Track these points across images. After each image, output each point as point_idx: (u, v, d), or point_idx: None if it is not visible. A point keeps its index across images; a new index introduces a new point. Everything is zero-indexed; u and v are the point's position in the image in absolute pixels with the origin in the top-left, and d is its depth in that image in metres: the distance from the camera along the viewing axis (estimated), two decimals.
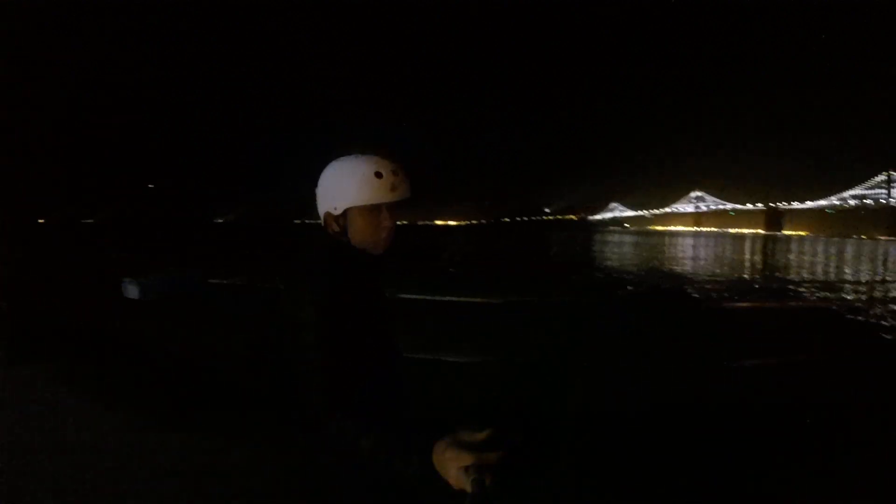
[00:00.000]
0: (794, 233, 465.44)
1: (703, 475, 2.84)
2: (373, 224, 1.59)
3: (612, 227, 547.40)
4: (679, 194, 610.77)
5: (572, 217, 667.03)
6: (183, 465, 3.61)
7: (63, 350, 6.61)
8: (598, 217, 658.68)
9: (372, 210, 1.57)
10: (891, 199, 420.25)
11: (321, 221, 1.64)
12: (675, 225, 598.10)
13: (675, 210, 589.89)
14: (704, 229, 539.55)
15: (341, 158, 1.61)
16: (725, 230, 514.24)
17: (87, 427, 4.17)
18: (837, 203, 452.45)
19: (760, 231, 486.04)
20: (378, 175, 1.56)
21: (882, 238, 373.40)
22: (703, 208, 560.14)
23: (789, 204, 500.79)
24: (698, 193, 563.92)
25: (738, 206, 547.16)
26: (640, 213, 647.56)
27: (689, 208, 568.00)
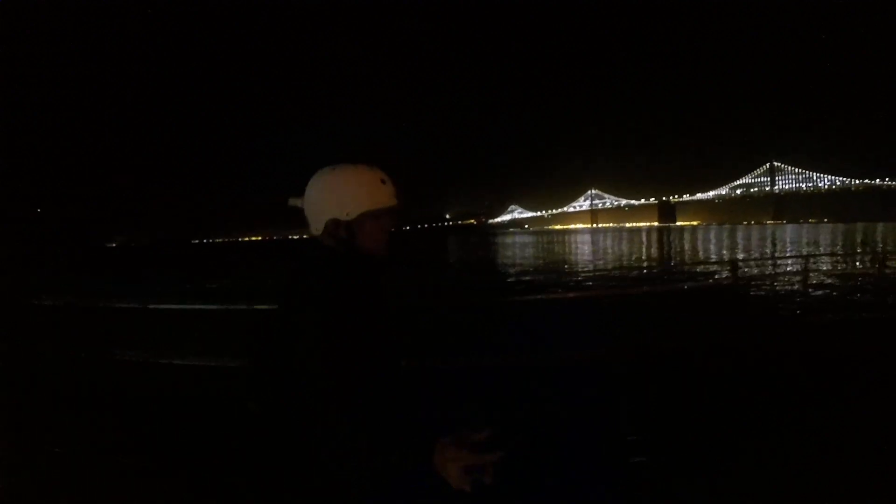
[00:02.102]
0: (686, 223, 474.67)
1: (702, 472, 2.80)
2: (378, 228, 1.65)
3: (511, 229, 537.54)
4: (576, 193, 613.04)
5: (472, 221, 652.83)
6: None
7: None
8: (497, 220, 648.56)
9: (379, 215, 1.64)
10: (774, 188, 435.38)
11: (316, 230, 1.67)
12: (573, 223, 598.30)
13: (573, 209, 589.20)
14: (602, 225, 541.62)
15: (340, 167, 1.65)
16: (622, 224, 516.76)
17: None
18: (725, 193, 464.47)
19: (655, 223, 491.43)
20: (383, 181, 1.65)
21: (769, 222, 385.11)
22: (600, 205, 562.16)
23: (680, 197, 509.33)
24: (594, 191, 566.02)
25: (633, 202, 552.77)
26: (538, 213, 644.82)
27: (586, 206, 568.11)
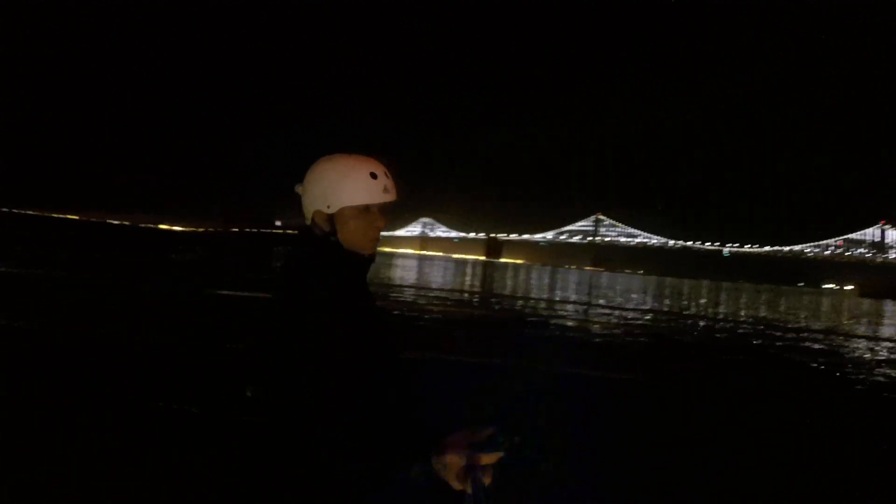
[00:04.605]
0: (511, 260, 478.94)
1: (698, 475, 2.82)
2: (364, 225, 1.58)
3: None
4: (409, 218, 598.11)
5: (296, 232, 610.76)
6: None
7: None
8: None
9: (364, 211, 1.57)
10: (597, 238, 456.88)
11: (307, 220, 1.62)
12: (401, 247, 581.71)
13: (404, 233, 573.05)
14: (430, 253, 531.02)
15: (333, 157, 1.60)
16: (450, 255, 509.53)
17: None
18: (551, 238, 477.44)
19: (482, 258, 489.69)
20: (373, 176, 1.56)
21: (588, 268, 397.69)
22: (430, 234, 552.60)
23: (508, 235, 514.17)
24: (426, 220, 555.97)
25: (463, 234, 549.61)
26: None
27: (417, 232, 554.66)
